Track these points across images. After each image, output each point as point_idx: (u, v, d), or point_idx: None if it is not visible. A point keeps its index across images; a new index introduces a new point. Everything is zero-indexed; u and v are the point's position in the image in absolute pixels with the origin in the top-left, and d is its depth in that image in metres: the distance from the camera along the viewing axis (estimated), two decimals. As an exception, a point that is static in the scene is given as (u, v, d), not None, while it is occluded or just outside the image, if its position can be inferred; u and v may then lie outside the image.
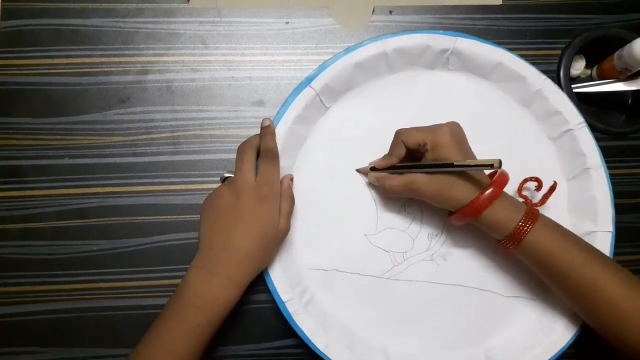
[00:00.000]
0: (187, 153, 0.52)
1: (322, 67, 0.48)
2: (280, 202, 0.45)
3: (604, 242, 0.47)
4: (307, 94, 0.48)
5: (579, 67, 0.55)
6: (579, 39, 0.54)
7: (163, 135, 0.52)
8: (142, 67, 0.52)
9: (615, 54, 0.51)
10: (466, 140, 0.44)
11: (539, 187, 0.48)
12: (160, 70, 0.52)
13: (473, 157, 0.43)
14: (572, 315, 0.47)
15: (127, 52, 0.52)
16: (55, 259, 0.50)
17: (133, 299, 0.50)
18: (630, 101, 0.56)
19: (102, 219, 0.50)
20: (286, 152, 0.48)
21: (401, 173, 0.45)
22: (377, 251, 0.50)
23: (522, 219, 0.41)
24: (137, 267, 0.50)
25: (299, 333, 0.45)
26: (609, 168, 0.49)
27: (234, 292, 0.42)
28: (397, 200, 0.50)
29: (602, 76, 0.54)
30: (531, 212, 0.42)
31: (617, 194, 0.49)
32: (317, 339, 0.45)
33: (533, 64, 0.50)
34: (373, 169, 0.48)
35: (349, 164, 0.50)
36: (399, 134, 0.45)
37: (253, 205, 0.43)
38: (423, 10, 0.54)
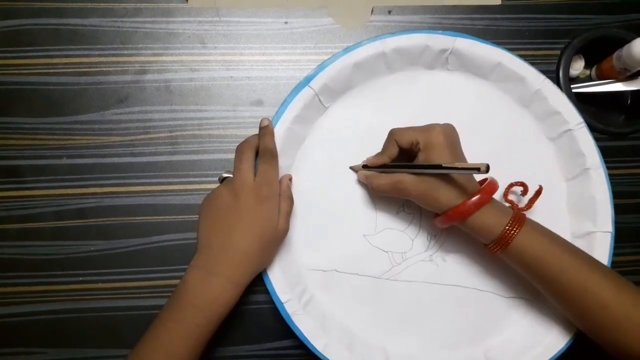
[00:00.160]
0: (186, 153, 0.51)
1: (321, 67, 0.48)
2: (279, 202, 0.45)
3: (603, 243, 0.47)
4: (306, 93, 0.48)
5: (578, 67, 0.55)
6: (578, 39, 0.54)
7: (161, 135, 0.52)
8: (141, 66, 0.52)
9: (615, 54, 0.51)
10: (459, 142, 0.44)
11: (524, 192, 0.48)
12: (158, 70, 0.52)
13: (464, 160, 0.43)
14: (571, 315, 0.47)
15: (125, 52, 0.52)
16: (54, 259, 0.50)
17: (132, 299, 0.50)
18: (629, 101, 0.56)
19: (100, 219, 0.50)
20: (285, 152, 0.48)
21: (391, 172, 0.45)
22: (376, 252, 0.50)
23: (508, 223, 0.41)
24: (135, 268, 0.50)
25: (297, 334, 0.45)
26: (608, 168, 0.49)
27: (233, 292, 0.42)
28: (396, 200, 0.50)
29: (602, 76, 0.54)
30: (518, 217, 0.42)
31: (617, 194, 0.49)
32: (316, 340, 0.45)
33: (532, 64, 0.50)
34: (365, 166, 0.48)
35: (348, 164, 0.50)
36: (392, 133, 0.45)
37: (252, 206, 0.43)
38: (422, 10, 0.54)
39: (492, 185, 0.42)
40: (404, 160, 0.46)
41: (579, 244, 0.45)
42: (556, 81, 0.53)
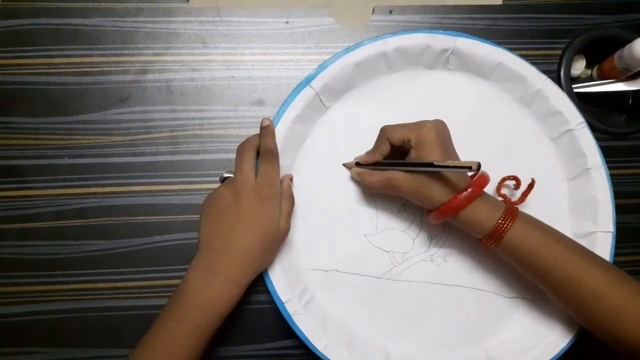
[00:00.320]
0: (187, 153, 0.51)
1: (322, 66, 0.48)
2: (281, 202, 0.45)
3: (604, 243, 0.47)
4: (306, 93, 0.48)
5: (579, 67, 0.55)
6: (579, 39, 0.54)
7: (162, 135, 0.52)
8: (142, 66, 0.52)
9: (616, 54, 0.51)
10: (450, 139, 0.44)
11: (517, 186, 0.48)
12: (159, 69, 0.52)
13: (455, 156, 0.44)
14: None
15: (126, 52, 0.52)
16: (55, 259, 0.50)
17: (132, 299, 0.50)
18: (630, 101, 0.55)
19: (101, 219, 0.50)
20: (286, 151, 0.48)
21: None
22: (377, 251, 0.50)
23: (501, 216, 0.41)
24: (136, 267, 0.50)
25: (298, 334, 0.45)
26: (609, 168, 0.49)
27: (234, 292, 0.42)
28: (397, 200, 0.50)
29: (603, 76, 0.54)
30: (510, 210, 0.42)
31: (618, 194, 0.49)
32: (317, 340, 0.45)
33: (533, 64, 0.50)
34: (358, 164, 0.48)
35: (348, 164, 0.50)
36: (384, 130, 0.45)
37: (253, 206, 0.43)
38: (423, 10, 0.54)
39: (483, 179, 0.42)
40: (396, 157, 0.46)
41: (580, 243, 0.45)
42: (557, 81, 0.53)
